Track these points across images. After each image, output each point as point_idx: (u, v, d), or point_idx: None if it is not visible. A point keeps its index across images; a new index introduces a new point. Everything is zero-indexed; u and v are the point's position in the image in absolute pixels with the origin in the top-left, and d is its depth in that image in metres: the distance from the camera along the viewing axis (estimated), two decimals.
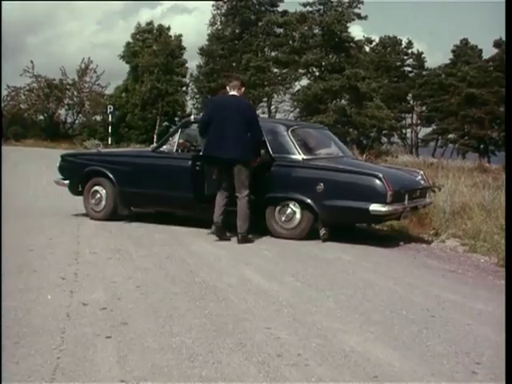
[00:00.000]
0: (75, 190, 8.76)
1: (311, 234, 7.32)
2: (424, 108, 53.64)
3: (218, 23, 44.39)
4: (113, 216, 8.33)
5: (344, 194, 7.20)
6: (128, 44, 40.58)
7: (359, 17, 38.71)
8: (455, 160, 29.54)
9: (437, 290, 5.22)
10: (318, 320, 4.21)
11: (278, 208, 7.46)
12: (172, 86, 39.41)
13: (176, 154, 8.16)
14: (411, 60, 54.08)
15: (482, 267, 6.42)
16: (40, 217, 8.59)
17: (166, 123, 40.35)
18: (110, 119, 34.82)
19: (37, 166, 18.73)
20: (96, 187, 8.44)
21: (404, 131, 54.11)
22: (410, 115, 54.68)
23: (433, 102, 50.46)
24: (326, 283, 5.30)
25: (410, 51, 53.71)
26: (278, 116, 43.64)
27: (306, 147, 7.91)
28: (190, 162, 7.67)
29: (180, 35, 40.81)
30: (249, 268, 5.81)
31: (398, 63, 53.08)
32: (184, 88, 42.51)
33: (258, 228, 7.51)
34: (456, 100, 47.27)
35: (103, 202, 8.40)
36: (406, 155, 30.75)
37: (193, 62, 46.56)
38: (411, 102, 54.51)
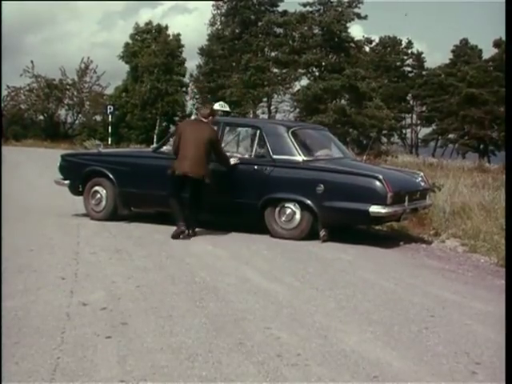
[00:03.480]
0: (75, 190, 8.76)
1: (311, 234, 7.32)
2: (424, 108, 53.62)
3: (218, 23, 44.37)
4: (113, 216, 8.33)
5: (344, 195, 7.20)
6: (127, 44, 40.60)
7: (359, 17, 38.70)
8: (455, 160, 29.55)
9: (437, 290, 5.23)
10: (318, 320, 4.21)
11: (277, 209, 7.46)
12: (172, 86, 39.41)
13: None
14: (411, 60, 54.05)
15: (482, 267, 6.42)
16: (40, 217, 8.58)
17: (165, 123, 40.38)
18: (109, 119, 34.82)
19: (37, 166, 18.73)
20: (96, 187, 8.44)
21: (404, 131, 54.11)
22: (410, 115, 54.66)
23: (433, 102, 50.43)
24: (325, 283, 5.30)
25: (409, 51, 53.69)
26: (277, 116, 43.62)
27: (306, 148, 7.91)
28: None
29: (178, 34, 40.85)
30: (249, 268, 5.81)
31: (398, 63, 53.04)
32: (184, 88, 42.54)
33: (258, 228, 7.53)
34: (456, 100, 47.23)
35: (103, 203, 8.40)
36: (405, 155, 30.73)
37: (193, 62, 46.68)
38: (411, 102, 54.50)
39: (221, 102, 10.04)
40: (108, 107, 35.13)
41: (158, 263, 5.87)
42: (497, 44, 45.04)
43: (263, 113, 43.60)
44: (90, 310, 4.28)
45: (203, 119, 7.53)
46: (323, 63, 38.00)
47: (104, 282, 5.10)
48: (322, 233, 7.24)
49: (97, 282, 5.08)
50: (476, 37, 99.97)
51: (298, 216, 7.38)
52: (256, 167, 7.62)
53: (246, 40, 41.97)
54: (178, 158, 7.30)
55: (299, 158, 7.58)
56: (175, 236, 7.19)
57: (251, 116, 39.44)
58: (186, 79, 42.76)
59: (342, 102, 37.78)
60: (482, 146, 48.40)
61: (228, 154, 7.83)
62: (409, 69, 54.17)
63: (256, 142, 7.84)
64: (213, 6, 44.23)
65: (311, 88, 36.32)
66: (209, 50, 43.30)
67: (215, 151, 7.45)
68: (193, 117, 11.41)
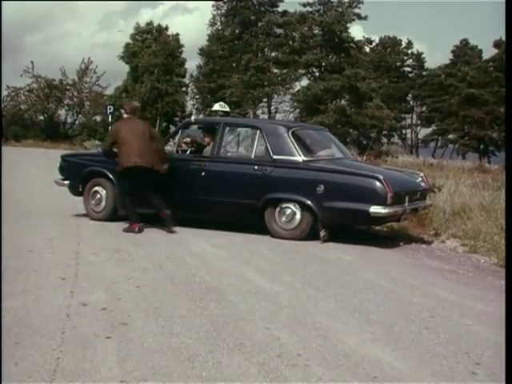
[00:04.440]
0: (75, 190, 8.76)
1: (311, 234, 7.32)
2: (424, 108, 53.62)
3: (218, 23, 44.42)
4: (113, 216, 8.33)
5: (344, 195, 7.20)
6: (127, 45, 40.63)
7: (359, 17, 38.73)
8: (455, 160, 29.53)
9: (437, 290, 5.23)
10: (318, 320, 4.21)
11: (278, 209, 7.46)
12: (172, 87, 39.44)
13: (176, 155, 8.17)
14: (411, 60, 54.07)
15: (482, 267, 6.42)
16: (40, 217, 8.58)
17: (165, 123, 40.39)
18: (109, 119, 34.81)
19: (37, 167, 18.73)
20: (96, 188, 8.44)
21: (404, 131, 54.13)
22: (410, 115, 54.66)
23: (433, 103, 50.43)
24: (326, 283, 5.30)
25: (409, 51, 53.71)
26: (277, 116, 43.64)
27: (307, 149, 7.90)
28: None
29: (177, 34, 40.87)
30: (249, 268, 5.81)
31: (398, 63, 53.05)
32: (184, 88, 42.56)
33: (258, 228, 7.53)
34: (456, 100, 47.22)
35: (103, 203, 8.40)
36: (406, 156, 30.72)
37: (193, 62, 46.70)
38: (411, 102, 54.51)
39: (221, 103, 10.06)
40: (108, 107, 35.12)
41: (158, 263, 5.86)
42: (497, 44, 45.04)
43: (263, 113, 43.67)
44: (90, 311, 4.28)
45: (132, 115, 7.91)
46: (323, 63, 38.03)
47: (104, 282, 5.10)
48: (322, 233, 7.24)
49: (97, 283, 5.07)
50: (476, 37, 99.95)
51: (298, 216, 7.38)
52: (256, 167, 7.63)
53: (246, 40, 42.00)
54: (123, 155, 7.58)
55: (299, 158, 7.57)
56: (128, 230, 7.50)
57: (251, 116, 39.44)
58: (186, 79, 42.83)
59: (342, 102, 37.80)
60: (482, 147, 48.37)
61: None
62: (409, 69, 54.18)
63: (256, 142, 7.84)
64: (213, 6, 44.34)
65: (311, 88, 36.34)
66: (209, 51, 43.34)
67: (156, 145, 7.74)
68: (192, 117, 11.68)
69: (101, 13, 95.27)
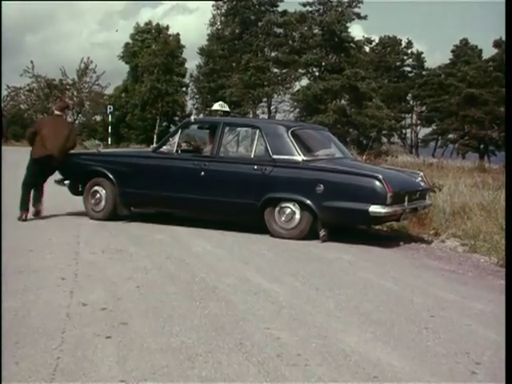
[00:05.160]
0: (75, 190, 8.76)
1: (311, 234, 7.32)
2: (424, 108, 53.57)
3: (218, 23, 44.43)
4: (113, 216, 8.33)
5: (344, 195, 7.20)
6: (127, 44, 40.65)
7: (359, 16, 38.68)
8: (455, 160, 29.51)
9: (437, 290, 5.23)
10: (318, 320, 4.21)
11: (277, 208, 7.47)
12: (172, 86, 39.47)
13: (176, 155, 8.17)
14: (411, 60, 54.03)
15: (482, 267, 6.42)
16: (40, 217, 8.57)
17: (165, 123, 40.42)
18: (109, 119, 34.86)
19: None
20: (96, 187, 8.44)
21: (404, 131, 54.08)
22: (410, 115, 54.63)
23: (433, 102, 50.39)
24: (325, 283, 5.30)
25: (409, 51, 53.66)
26: (277, 116, 43.63)
27: (306, 148, 7.90)
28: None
29: (178, 34, 40.90)
30: (249, 268, 5.81)
31: (398, 63, 53.02)
32: (184, 88, 42.58)
33: (258, 228, 7.53)
34: (456, 100, 47.17)
35: (103, 202, 8.41)
36: (405, 155, 30.73)
37: (193, 62, 46.73)
38: (411, 102, 54.46)
39: (220, 102, 10.05)
40: (108, 107, 35.16)
41: (158, 263, 5.87)
42: (497, 44, 44.99)
43: (263, 113, 43.65)
44: (90, 310, 4.28)
45: (58, 112, 8.74)
46: (323, 63, 37.99)
47: (104, 282, 5.10)
48: (322, 233, 7.24)
49: (97, 282, 5.07)
50: (476, 37, 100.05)
51: (297, 216, 7.39)
52: (256, 167, 7.63)
53: (246, 40, 42.00)
54: (40, 146, 8.37)
55: (299, 157, 7.58)
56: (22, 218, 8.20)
57: (251, 116, 39.45)
58: (186, 79, 42.84)
59: (342, 102, 37.76)
60: (482, 146, 48.36)
61: (229, 154, 7.85)
62: (409, 69, 54.13)
63: (256, 142, 7.84)
64: (213, 6, 44.33)
65: (311, 88, 36.29)
66: (209, 50, 43.34)
67: (70, 139, 8.70)
68: (192, 117, 11.78)
69: (101, 13, 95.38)
